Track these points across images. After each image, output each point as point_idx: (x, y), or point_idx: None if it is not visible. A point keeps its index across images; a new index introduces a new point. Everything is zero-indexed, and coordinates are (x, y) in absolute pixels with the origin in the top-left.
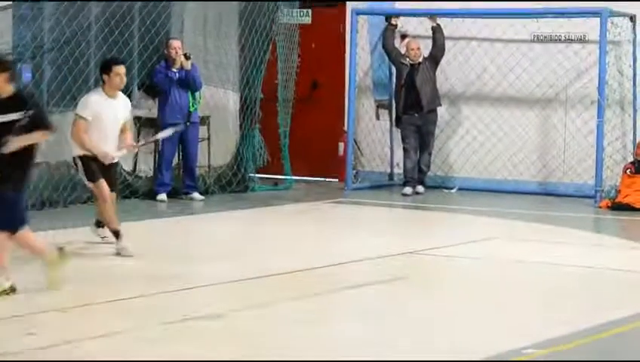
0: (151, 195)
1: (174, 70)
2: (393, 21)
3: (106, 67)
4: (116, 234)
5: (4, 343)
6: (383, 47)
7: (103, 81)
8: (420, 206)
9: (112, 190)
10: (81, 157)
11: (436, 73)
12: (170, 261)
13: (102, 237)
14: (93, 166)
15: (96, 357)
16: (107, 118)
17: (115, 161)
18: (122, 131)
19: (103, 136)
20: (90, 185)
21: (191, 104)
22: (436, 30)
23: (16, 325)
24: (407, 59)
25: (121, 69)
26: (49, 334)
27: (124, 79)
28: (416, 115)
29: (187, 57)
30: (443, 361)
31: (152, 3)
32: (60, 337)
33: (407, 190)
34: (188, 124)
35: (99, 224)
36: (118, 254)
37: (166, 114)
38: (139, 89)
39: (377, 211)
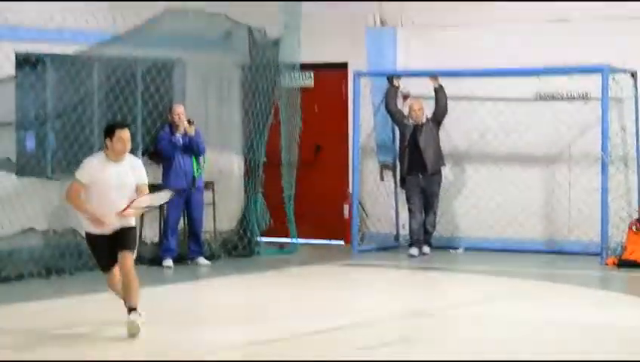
0: (157, 261)
1: (178, 136)
2: (395, 82)
3: (109, 131)
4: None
5: None
6: (386, 108)
7: (106, 146)
8: (427, 267)
9: (123, 249)
10: (87, 237)
11: (440, 133)
12: (178, 328)
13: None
14: (99, 249)
15: None
16: (108, 184)
17: (127, 225)
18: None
19: (108, 203)
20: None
21: (195, 169)
22: (438, 90)
23: None
24: (410, 119)
25: (124, 134)
26: None
27: (128, 144)
28: (420, 175)
29: (190, 123)
30: None
31: (155, 70)
32: None
33: (414, 251)
34: (192, 189)
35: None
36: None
37: (171, 179)
38: (143, 155)
39: (384, 273)
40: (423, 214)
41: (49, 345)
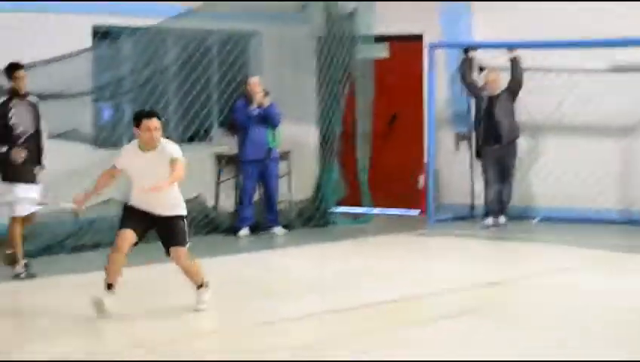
0: (233, 230)
1: (253, 107)
2: (470, 54)
3: (136, 120)
4: (109, 286)
5: None
6: (462, 79)
7: (135, 135)
8: (502, 236)
9: (175, 245)
10: (127, 207)
11: (515, 104)
12: (253, 295)
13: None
14: (134, 215)
15: None
16: (140, 173)
17: (175, 214)
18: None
19: (141, 189)
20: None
21: (270, 140)
22: (514, 62)
23: None
24: (486, 91)
25: (151, 123)
26: None
27: (156, 133)
28: (496, 146)
29: (265, 94)
30: None
31: (231, 42)
32: None
33: (489, 221)
34: (267, 160)
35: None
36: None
37: (246, 150)
38: (219, 126)
39: (460, 242)
40: (498, 185)
41: (113, 314)
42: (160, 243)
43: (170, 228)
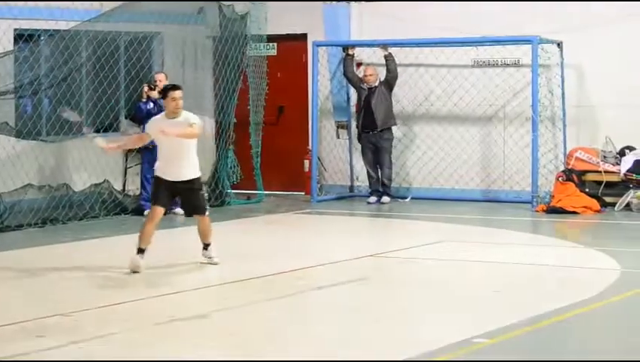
0: (138, 211)
1: (148, 101)
2: (350, 51)
3: (163, 92)
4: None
5: (15, 345)
6: (344, 74)
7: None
8: (379, 214)
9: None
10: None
11: (391, 95)
12: (158, 270)
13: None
14: (158, 189)
15: (95, 356)
16: (166, 138)
17: (187, 178)
18: None
19: (167, 155)
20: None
21: None
22: (388, 58)
23: (26, 329)
24: (365, 83)
25: (176, 94)
26: (55, 336)
27: (180, 103)
28: (372, 133)
29: (151, 88)
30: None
31: (137, 42)
32: (64, 339)
33: (371, 199)
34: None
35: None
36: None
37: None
38: (125, 118)
39: (340, 219)
40: (379, 167)
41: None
42: None
43: (194, 196)
